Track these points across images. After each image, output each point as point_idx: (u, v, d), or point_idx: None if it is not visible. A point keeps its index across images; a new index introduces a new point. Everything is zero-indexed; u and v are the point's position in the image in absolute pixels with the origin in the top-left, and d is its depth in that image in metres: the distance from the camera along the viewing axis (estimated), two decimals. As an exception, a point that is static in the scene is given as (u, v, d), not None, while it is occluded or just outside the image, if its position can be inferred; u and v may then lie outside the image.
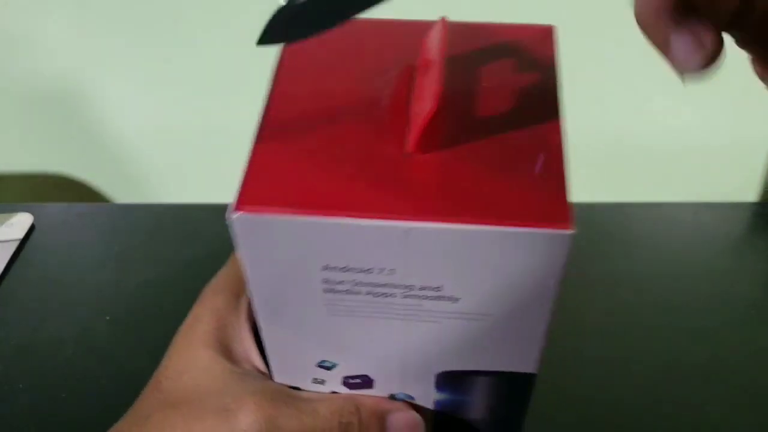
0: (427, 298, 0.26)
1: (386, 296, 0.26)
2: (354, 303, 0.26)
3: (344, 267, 0.25)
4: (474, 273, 0.24)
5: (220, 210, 0.27)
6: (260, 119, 0.26)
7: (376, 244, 0.23)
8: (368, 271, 0.25)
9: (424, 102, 0.24)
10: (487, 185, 0.24)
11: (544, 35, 0.30)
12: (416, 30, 0.29)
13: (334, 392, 0.31)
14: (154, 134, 0.71)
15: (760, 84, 0.27)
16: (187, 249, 0.60)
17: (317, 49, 0.29)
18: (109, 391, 0.40)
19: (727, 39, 0.23)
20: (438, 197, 0.23)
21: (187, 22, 0.63)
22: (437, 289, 0.25)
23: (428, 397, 0.31)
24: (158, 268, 0.55)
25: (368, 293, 0.26)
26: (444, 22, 0.27)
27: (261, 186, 0.23)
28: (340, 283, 0.25)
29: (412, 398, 0.31)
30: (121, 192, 0.76)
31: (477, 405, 0.32)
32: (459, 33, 0.29)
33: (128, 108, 0.70)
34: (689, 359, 0.48)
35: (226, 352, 0.30)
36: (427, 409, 0.32)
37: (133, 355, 0.48)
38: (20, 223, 0.60)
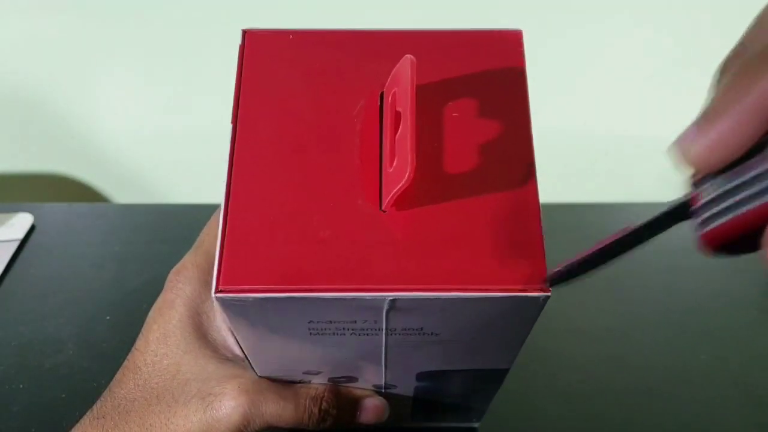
0: (409, 334, 0.26)
1: (369, 335, 0.26)
2: (339, 341, 0.27)
3: (329, 321, 0.25)
4: (454, 321, 0.25)
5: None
6: (227, 181, 0.25)
7: (360, 309, 0.24)
8: (352, 322, 0.25)
9: (399, 170, 0.23)
10: (465, 246, 0.23)
11: (512, 44, 0.27)
12: (378, 42, 0.27)
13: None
14: (154, 134, 0.71)
15: None
16: (187, 249, 0.60)
17: (279, 73, 0.27)
18: (109, 391, 0.40)
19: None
20: (418, 263, 0.23)
21: (187, 22, 0.63)
22: (419, 329, 0.26)
23: (409, 386, 0.33)
24: (158, 268, 0.55)
25: (353, 333, 0.26)
26: (413, 64, 0.24)
27: (239, 262, 0.23)
28: (326, 329, 0.25)
29: (394, 386, 0.32)
30: (121, 192, 0.76)
31: (453, 389, 0.34)
32: (424, 48, 0.27)
33: (128, 108, 0.70)
34: (689, 358, 0.48)
35: (205, 339, 0.31)
36: (408, 394, 0.34)
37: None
38: (20, 223, 0.60)
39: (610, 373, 0.47)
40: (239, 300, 0.23)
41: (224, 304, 0.23)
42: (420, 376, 0.31)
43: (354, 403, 0.32)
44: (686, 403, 0.45)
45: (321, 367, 0.30)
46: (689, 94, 0.66)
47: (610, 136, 0.69)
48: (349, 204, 0.24)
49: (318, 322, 0.25)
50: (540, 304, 0.23)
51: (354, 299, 0.23)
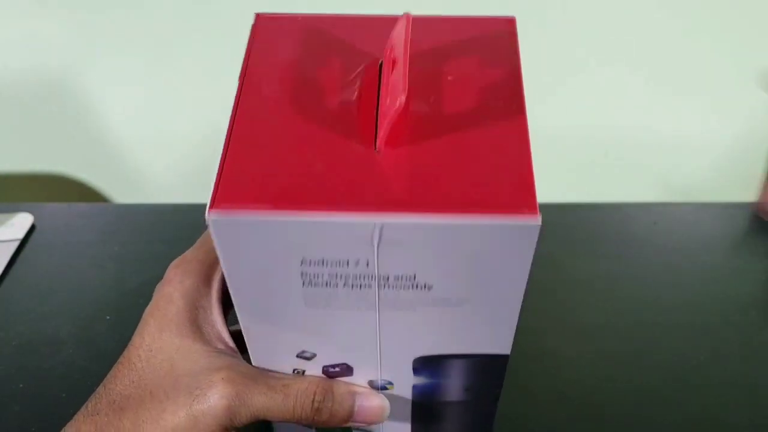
0: (402, 287, 0.26)
1: (362, 287, 0.26)
2: (332, 295, 0.27)
3: (321, 260, 0.25)
4: (446, 261, 0.25)
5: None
6: (231, 118, 0.26)
7: (351, 238, 0.24)
8: (344, 263, 0.25)
9: (392, 99, 0.24)
10: (456, 178, 0.24)
11: (506, 27, 0.30)
12: (382, 24, 0.29)
13: None
14: (154, 134, 0.71)
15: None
16: (186, 249, 0.60)
17: (285, 46, 0.29)
18: (109, 390, 0.40)
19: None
20: (408, 191, 0.23)
21: (188, 24, 0.63)
22: (411, 278, 0.26)
23: (407, 382, 0.32)
24: (158, 268, 0.55)
25: (345, 285, 0.26)
26: (408, 18, 0.26)
27: (235, 186, 0.24)
28: (318, 276, 0.26)
29: (390, 383, 0.32)
30: (121, 192, 0.76)
31: (453, 387, 0.33)
32: (422, 28, 0.29)
33: (129, 108, 0.70)
34: (688, 358, 0.48)
35: (199, 332, 0.30)
36: (406, 396, 0.33)
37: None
38: (20, 223, 0.60)
39: (608, 373, 0.47)
40: (232, 222, 0.23)
41: (217, 227, 0.24)
42: (417, 365, 0.31)
43: (350, 399, 0.31)
44: (685, 403, 0.45)
45: (316, 348, 0.30)
46: (689, 93, 0.67)
47: (610, 136, 0.69)
48: (345, 144, 0.25)
49: (311, 263, 0.25)
50: (531, 233, 0.23)
51: (345, 224, 0.23)
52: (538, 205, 0.23)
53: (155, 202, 0.74)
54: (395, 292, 0.26)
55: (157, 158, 0.73)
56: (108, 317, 0.51)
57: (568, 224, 0.62)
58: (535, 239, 0.23)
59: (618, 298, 0.54)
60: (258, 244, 0.24)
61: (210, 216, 0.23)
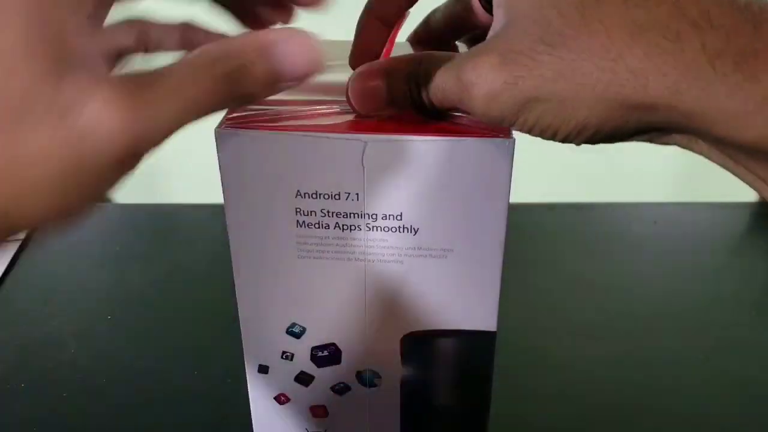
0: (389, 229, 0.27)
1: (353, 230, 0.27)
2: (323, 241, 0.28)
3: (314, 193, 0.27)
4: (429, 195, 0.27)
5: (219, 210, 0.28)
6: None
7: (342, 158, 0.26)
8: (335, 197, 0.27)
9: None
10: (441, 124, 0.27)
11: None
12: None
13: (302, 372, 0.32)
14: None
15: None
16: (186, 249, 0.60)
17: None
18: (109, 390, 0.40)
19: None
20: (394, 126, 0.26)
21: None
22: (398, 218, 0.27)
23: (395, 372, 0.32)
24: (158, 268, 0.55)
25: (336, 226, 0.27)
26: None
27: (244, 116, 0.27)
28: (311, 213, 0.27)
29: (379, 377, 0.32)
30: (121, 192, 0.76)
31: (442, 385, 0.32)
32: None
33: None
34: (688, 358, 0.48)
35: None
36: (394, 393, 0.33)
37: (133, 355, 0.48)
38: (21, 223, 0.60)
39: (608, 373, 0.47)
40: (234, 135, 0.26)
41: (222, 140, 0.26)
42: (405, 349, 0.31)
43: (264, 53, 0.20)
44: (684, 403, 0.45)
45: (305, 317, 0.30)
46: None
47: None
48: (344, 110, 0.28)
49: (305, 195, 0.27)
50: (507, 149, 0.25)
51: (335, 141, 0.25)
52: (510, 132, 0.25)
53: (155, 202, 0.74)
54: (382, 236, 0.27)
55: (157, 158, 0.73)
56: (109, 317, 0.51)
57: (568, 224, 0.62)
58: (510, 159, 0.25)
59: (618, 299, 0.54)
60: (257, 165, 0.26)
61: (217, 131, 0.26)
